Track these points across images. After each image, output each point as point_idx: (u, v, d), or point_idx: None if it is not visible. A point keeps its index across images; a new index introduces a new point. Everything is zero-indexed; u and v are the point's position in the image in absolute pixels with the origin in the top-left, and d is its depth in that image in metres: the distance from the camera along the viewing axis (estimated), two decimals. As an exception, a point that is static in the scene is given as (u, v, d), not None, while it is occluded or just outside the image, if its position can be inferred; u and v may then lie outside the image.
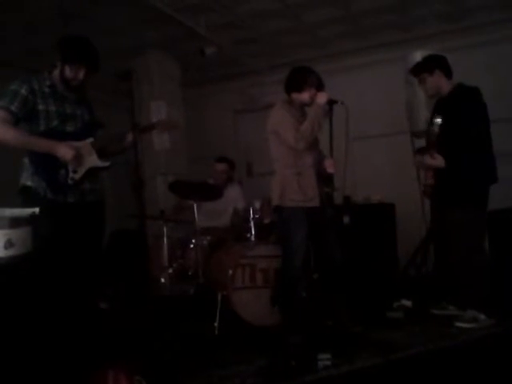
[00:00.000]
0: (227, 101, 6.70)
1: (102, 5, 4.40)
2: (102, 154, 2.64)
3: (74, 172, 2.52)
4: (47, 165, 2.47)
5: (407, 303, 3.45)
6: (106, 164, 2.66)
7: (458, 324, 2.99)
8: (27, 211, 2.15)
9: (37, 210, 2.16)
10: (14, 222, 2.07)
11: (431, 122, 3.13)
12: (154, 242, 4.05)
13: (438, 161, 3.08)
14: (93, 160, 2.59)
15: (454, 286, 3.19)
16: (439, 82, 3.19)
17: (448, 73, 3.20)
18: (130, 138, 2.78)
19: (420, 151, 3.50)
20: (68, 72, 2.52)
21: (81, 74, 2.54)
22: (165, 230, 3.85)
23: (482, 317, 2.96)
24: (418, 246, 3.82)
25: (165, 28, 5.02)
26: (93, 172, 2.61)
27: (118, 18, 4.69)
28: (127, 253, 4.35)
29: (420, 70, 3.28)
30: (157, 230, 4.11)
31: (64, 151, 2.45)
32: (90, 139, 2.60)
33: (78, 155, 2.50)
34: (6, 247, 2.03)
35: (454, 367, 2.45)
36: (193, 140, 6.25)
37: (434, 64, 3.21)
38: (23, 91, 2.44)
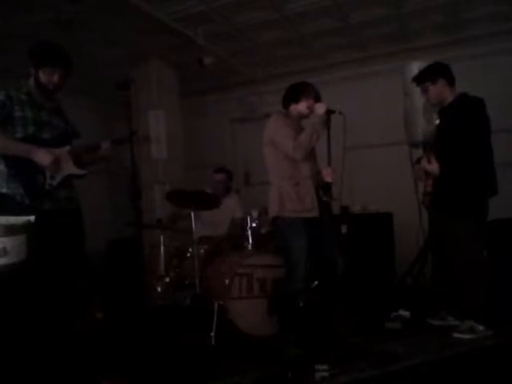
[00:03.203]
0: (225, 110, 6.73)
1: (101, 15, 4.43)
2: (77, 163, 2.65)
3: (52, 178, 2.51)
4: (25, 170, 2.45)
5: (405, 313, 3.43)
6: (83, 172, 2.67)
7: (456, 335, 2.97)
8: (22, 219, 2.14)
9: (32, 217, 2.15)
10: (9, 230, 2.06)
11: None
12: (151, 251, 4.03)
13: (433, 166, 3.10)
14: (70, 167, 2.60)
15: (452, 297, 3.18)
16: (442, 91, 3.15)
17: (451, 81, 3.16)
18: (104, 146, 2.74)
19: (419, 161, 3.50)
20: (42, 77, 2.53)
21: (55, 78, 2.55)
22: (162, 238, 3.83)
23: (481, 327, 2.94)
24: (416, 255, 3.80)
25: (164, 38, 5.06)
26: (69, 179, 2.63)
27: (118, 27, 4.72)
28: (123, 261, 4.32)
29: (423, 79, 3.21)
30: (154, 238, 4.10)
31: (43, 156, 2.44)
32: (67, 147, 2.62)
33: (57, 161, 2.50)
34: (0, 255, 2.02)
35: (452, 378, 2.43)
36: (190, 149, 6.27)
37: (438, 73, 3.15)
38: (1, 97, 2.45)
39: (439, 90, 3.15)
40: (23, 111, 2.49)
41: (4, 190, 2.44)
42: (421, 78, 3.25)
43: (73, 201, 2.67)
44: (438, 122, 3.01)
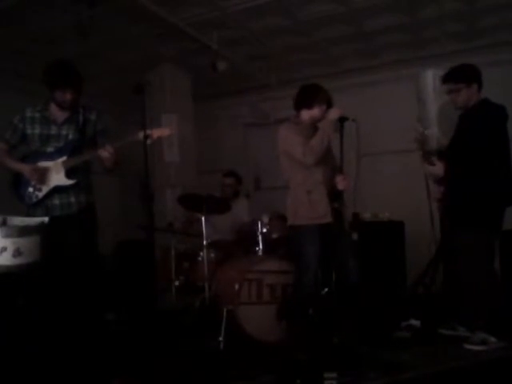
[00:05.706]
0: (238, 115, 6.75)
1: (117, 19, 4.49)
2: (69, 173, 2.77)
3: (39, 190, 2.74)
4: (21, 183, 2.78)
5: (415, 323, 3.39)
6: (70, 182, 2.78)
7: (467, 346, 2.92)
8: (36, 220, 2.17)
9: (46, 219, 2.18)
10: (23, 231, 2.09)
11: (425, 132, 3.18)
12: (162, 254, 4.05)
13: (437, 167, 3.09)
14: (59, 178, 2.76)
15: (463, 307, 3.14)
16: (472, 96, 3.06)
17: (481, 87, 3.08)
18: (103, 155, 2.71)
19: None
20: (58, 97, 2.72)
21: (68, 96, 2.73)
22: (172, 242, 3.85)
23: (492, 339, 2.90)
24: (427, 264, 3.76)
25: (178, 42, 5.10)
26: (61, 189, 2.77)
27: (133, 32, 4.77)
28: (134, 264, 4.35)
29: (458, 79, 3.08)
30: (165, 241, 4.11)
31: (26, 172, 2.73)
32: (63, 158, 2.76)
33: (42, 175, 2.72)
34: (14, 256, 2.04)
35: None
36: (203, 153, 6.29)
37: (474, 77, 3.06)
38: (15, 121, 2.79)
39: (470, 95, 3.06)
40: (33, 129, 2.78)
41: None
42: (456, 77, 3.09)
43: (68, 207, 2.80)
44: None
